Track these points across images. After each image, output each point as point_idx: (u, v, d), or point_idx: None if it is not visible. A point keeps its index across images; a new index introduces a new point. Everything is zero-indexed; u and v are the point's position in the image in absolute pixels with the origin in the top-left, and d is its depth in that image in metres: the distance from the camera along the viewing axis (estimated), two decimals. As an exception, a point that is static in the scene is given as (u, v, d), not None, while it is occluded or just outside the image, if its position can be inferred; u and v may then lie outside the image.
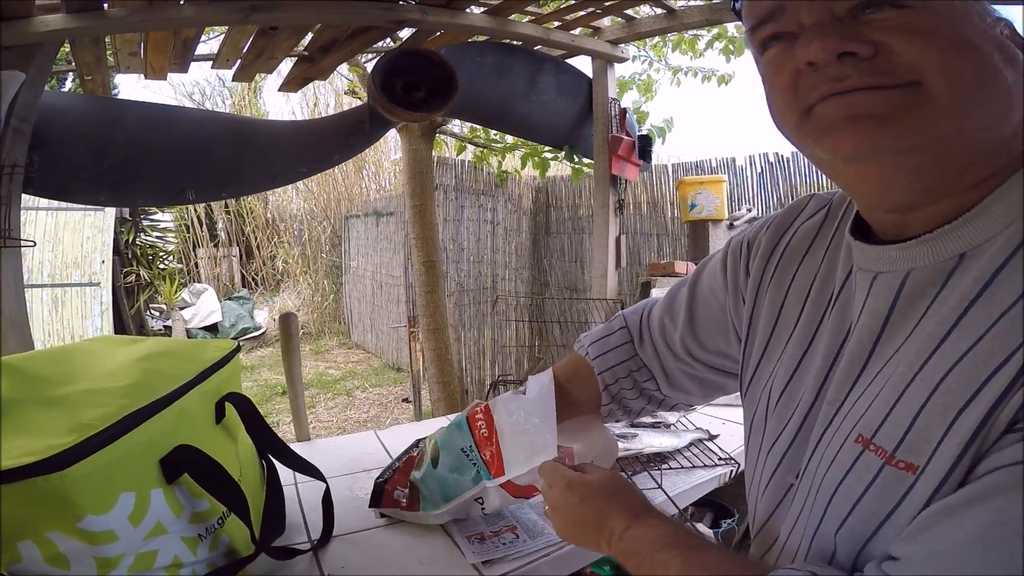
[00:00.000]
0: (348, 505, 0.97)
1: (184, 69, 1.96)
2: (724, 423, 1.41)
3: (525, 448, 0.74)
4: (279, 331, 1.22)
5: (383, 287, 5.71)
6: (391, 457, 1.17)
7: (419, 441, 1.03)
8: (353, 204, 7.04)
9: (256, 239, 7.95)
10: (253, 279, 8.17)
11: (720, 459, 1.17)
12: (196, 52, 1.91)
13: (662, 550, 0.52)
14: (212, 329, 6.51)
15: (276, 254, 7.94)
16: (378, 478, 0.95)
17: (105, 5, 1.41)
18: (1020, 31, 0.44)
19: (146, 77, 1.95)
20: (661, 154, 6.54)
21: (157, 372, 0.68)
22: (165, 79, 2.02)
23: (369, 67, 2.36)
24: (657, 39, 2.78)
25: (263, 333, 6.79)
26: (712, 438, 1.29)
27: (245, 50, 1.83)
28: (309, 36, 1.90)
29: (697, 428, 1.33)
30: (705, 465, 1.15)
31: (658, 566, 0.51)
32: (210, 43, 1.89)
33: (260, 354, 6.14)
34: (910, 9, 0.38)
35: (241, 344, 0.91)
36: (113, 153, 1.39)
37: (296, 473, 0.91)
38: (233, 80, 2.13)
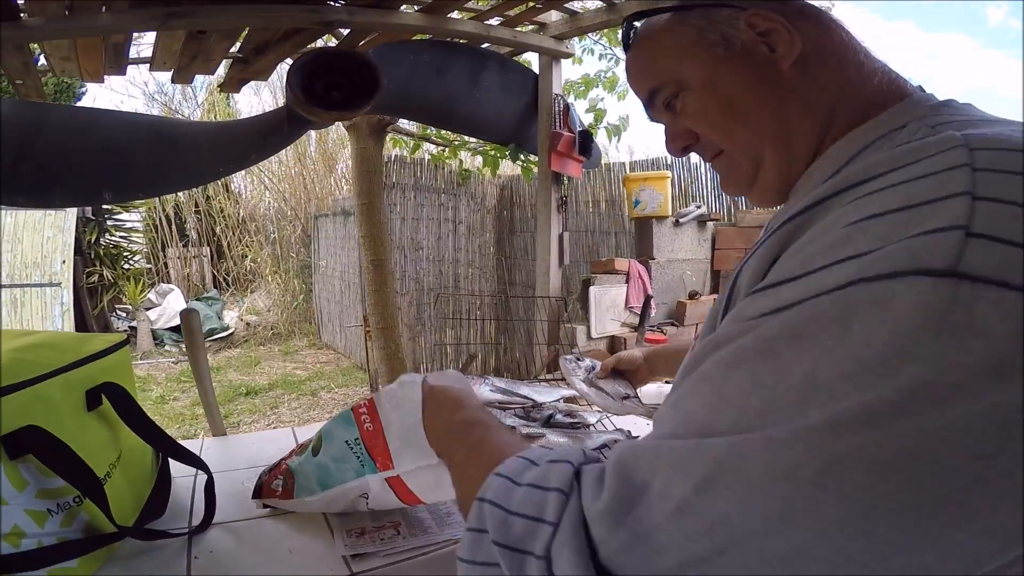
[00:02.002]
0: (242, 496, 0.96)
1: (121, 72, 1.95)
2: (649, 424, 1.40)
3: (411, 447, 0.75)
4: (182, 328, 1.22)
5: (351, 287, 5.68)
6: (299, 449, 1.16)
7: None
8: (323, 203, 7.00)
9: (227, 239, 7.86)
10: (224, 279, 8.08)
11: (633, 463, 1.17)
12: (137, 55, 1.91)
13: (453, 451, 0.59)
14: (178, 330, 6.42)
15: (247, 254, 7.86)
16: (263, 470, 0.96)
17: (23, 15, 1.41)
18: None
19: (83, 80, 1.94)
20: (626, 150, 6.59)
21: (23, 361, 0.70)
22: (103, 81, 2.01)
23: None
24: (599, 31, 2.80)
25: (231, 334, 6.71)
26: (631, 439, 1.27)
27: (179, 53, 1.83)
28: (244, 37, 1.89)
29: (617, 429, 1.28)
30: (614, 471, 1.14)
31: (455, 469, 0.58)
32: (149, 46, 1.88)
33: (228, 355, 6.08)
34: (686, 97, 0.52)
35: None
36: (32, 157, 1.39)
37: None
38: (172, 82, 2.12)
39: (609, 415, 1.44)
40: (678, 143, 0.55)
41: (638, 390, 1.26)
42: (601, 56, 3.03)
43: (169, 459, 0.94)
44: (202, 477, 1.00)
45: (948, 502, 0.23)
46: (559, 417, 1.37)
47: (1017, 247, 0.25)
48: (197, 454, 1.01)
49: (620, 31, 0.59)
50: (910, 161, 0.32)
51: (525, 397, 1.52)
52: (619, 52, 3.01)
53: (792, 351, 0.28)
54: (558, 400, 1.55)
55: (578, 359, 1.29)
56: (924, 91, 0.47)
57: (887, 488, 0.24)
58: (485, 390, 1.50)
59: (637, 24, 0.57)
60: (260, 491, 0.93)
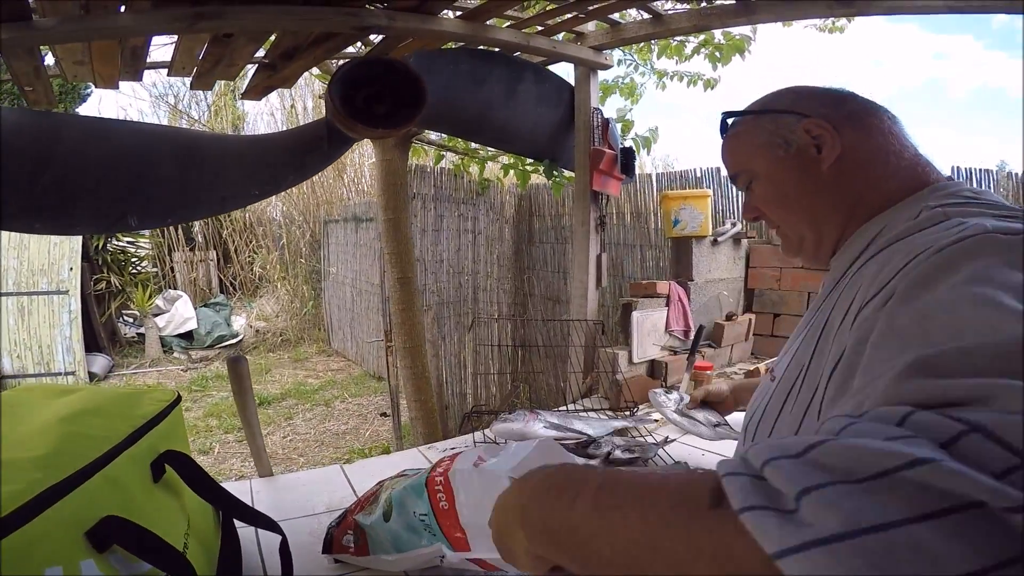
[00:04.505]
0: (308, 549, 0.93)
1: (137, 77, 1.86)
2: (705, 453, 1.38)
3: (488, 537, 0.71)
4: (229, 377, 1.15)
5: (363, 294, 5.61)
6: (356, 495, 1.12)
7: (382, 482, 0.98)
8: (333, 208, 6.93)
9: (234, 243, 7.79)
10: (231, 284, 8.00)
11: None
12: (152, 59, 1.83)
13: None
14: (187, 336, 6.35)
15: (254, 259, 7.78)
16: (331, 523, 0.93)
17: (35, 15, 1.32)
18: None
19: (96, 86, 1.85)
20: (646, 162, 6.54)
21: (80, 436, 0.64)
22: (117, 88, 1.92)
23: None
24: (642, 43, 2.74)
25: (240, 340, 6.64)
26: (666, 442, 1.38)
27: (201, 58, 1.74)
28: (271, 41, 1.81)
29: (676, 462, 1.32)
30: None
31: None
32: (166, 49, 1.78)
33: (236, 362, 6.01)
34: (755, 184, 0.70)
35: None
36: (49, 174, 1.27)
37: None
38: (192, 88, 2.03)
39: (664, 446, 1.40)
40: (750, 214, 0.73)
41: (725, 418, 1.34)
42: (619, 61, 2.95)
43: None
44: (265, 530, 0.93)
45: None
46: (618, 453, 1.33)
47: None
48: (252, 505, 0.95)
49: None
50: (925, 226, 0.50)
51: (579, 432, 1.46)
52: (637, 57, 2.94)
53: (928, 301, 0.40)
54: (611, 434, 1.49)
55: (667, 392, 1.41)
56: (950, 179, 0.60)
57: None
58: (539, 427, 1.44)
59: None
60: (331, 546, 0.90)
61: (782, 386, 0.62)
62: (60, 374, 4.88)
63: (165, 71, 1.91)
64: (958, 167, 2.74)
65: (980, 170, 2.73)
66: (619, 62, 2.94)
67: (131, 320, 6.63)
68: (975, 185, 2.56)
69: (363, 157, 7.20)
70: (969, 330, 0.33)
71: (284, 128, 7.66)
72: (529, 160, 2.81)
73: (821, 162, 0.62)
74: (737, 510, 0.26)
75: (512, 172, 3.04)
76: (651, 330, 2.02)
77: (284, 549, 0.84)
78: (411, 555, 0.79)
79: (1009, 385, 0.27)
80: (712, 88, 2.84)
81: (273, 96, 7.99)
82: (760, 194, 0.69)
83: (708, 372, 1.74)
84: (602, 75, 2.34)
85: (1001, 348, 0.31)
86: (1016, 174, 2.73)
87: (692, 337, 1.90)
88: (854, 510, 0.24)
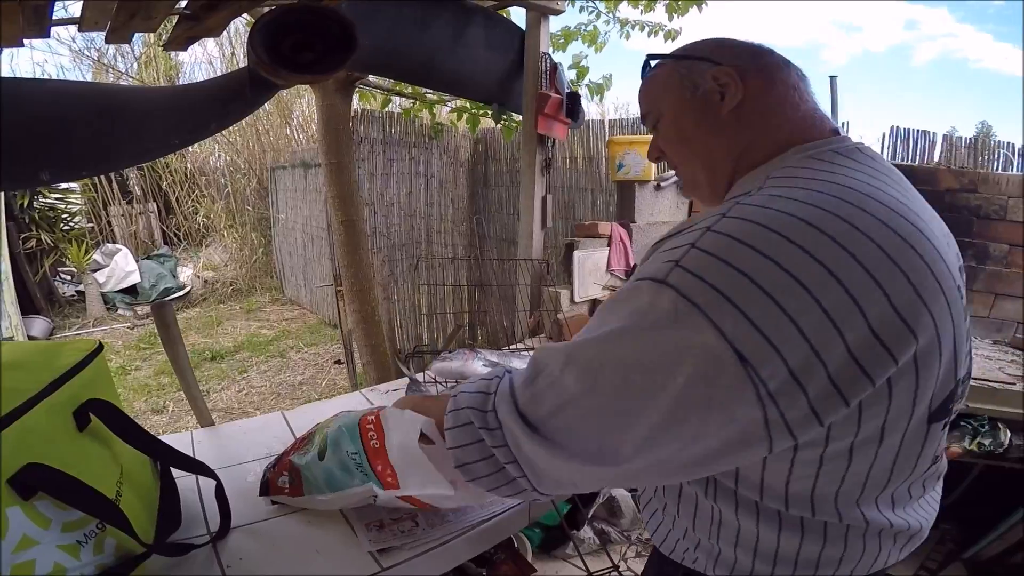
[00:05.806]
0: (249, 494, 0.95)
1: (44, 34, 1.70)
2: None
3: (420, 475, 0.76)
4: (155, 323, 1.14)
5: (314, 240, 5.50)
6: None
7: (319, 424, 1.01)
8: (280, 155, 6.64)
9: (175, 193, 7.41)
10: (175, 235, 7.67)
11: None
12: (65, 10, 1.67)
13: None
14: (131, 291, 6.11)
15: (198, 209, 7.45)
16: (267, 466, 0.94)
17: None
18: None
19: (-3, 45, 1.69)
20: (608, 109, 6.46)
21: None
22: (22, 46, 1.77)
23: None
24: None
25: (188, 292, 6.44)
26: None
27: (115, 11, 1.61)
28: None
29: None
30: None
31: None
32: (77, 3, 1.63)
33: (187, 315, 5.85)
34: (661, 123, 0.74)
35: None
36: None
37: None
38: (107, 42, 1.87)
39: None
40: (653, 153, 0.78)
41: None
42: (582, 8, 2.88)
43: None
44: (205, 478, 0.96)
45: (632, 385, 0.51)
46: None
47: (690, 273, 0.49)
48: (193, 455, 0.97)
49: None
50: (692, 224, 0.55)
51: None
52: (601, 5, 2.87)
53: (608, 306, 0.57)
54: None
55: None
56: (837, 133, 0.64)
57: (611, 374, 0.52)
58: (478, 364, 1.49)
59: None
60: (267, 488, 0.92)
61: None
62: (-3, 338, 4.67)
63: (76, 27, 1.76)
64: (897, 126, 2.92)
65: (917, 131, 2.92)
66: (582, 9, 2.87)
67: (68, 278, 6.31)
68: (911, 145, 2.69)
69: (312, 104, 6.86)
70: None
71: (222, 70, 7.16)
72: (479, 104, 2.76)
73: (722, 107, 0.65)
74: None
75: (464, 116, 2.99)
76: (593, 269, 2.07)
77: (220, 494, 0.86)
78: (344, 494, 0.82)
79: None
80: (673, 39, 2.81)
81: (210, 43, 7.41)
82: (664, 134, 0.72)
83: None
84: (564, 21, 2.29)
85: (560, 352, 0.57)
86: (960, 137, 2.92)
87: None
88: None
